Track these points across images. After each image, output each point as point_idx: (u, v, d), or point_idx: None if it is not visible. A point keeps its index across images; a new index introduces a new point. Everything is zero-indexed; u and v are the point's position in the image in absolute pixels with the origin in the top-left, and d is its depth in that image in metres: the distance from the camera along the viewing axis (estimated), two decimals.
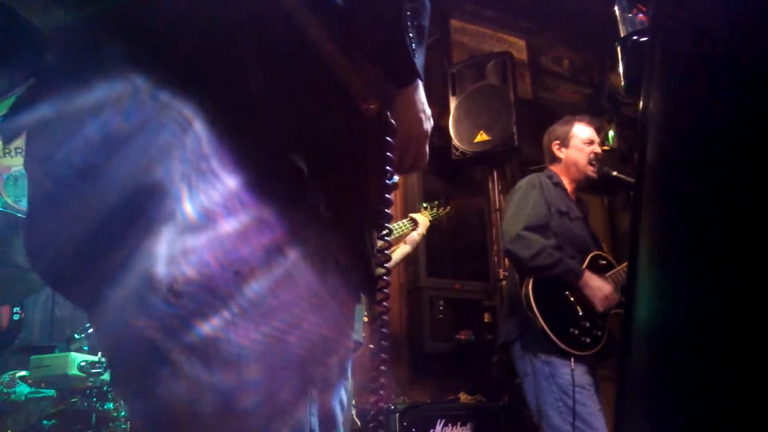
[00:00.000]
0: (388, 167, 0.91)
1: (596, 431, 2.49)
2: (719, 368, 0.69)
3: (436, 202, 2.92)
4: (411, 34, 0.87)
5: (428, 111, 1.01)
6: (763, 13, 0.65)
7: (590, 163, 2.94)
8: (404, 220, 2.66)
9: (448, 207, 2.96)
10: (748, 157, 0.67)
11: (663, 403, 0.72)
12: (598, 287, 2.68)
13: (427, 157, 1.03)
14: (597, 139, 3.00)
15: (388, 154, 0.90)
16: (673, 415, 0.71)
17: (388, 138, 0.90)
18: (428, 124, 1.01)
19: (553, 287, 2.67)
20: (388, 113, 0.91)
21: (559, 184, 2.93)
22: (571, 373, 2.53)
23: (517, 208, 2.79)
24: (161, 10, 0.81)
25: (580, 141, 2.96)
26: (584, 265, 2.74)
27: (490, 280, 4.34)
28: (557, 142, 3.01)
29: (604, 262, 2.85)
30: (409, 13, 0.87)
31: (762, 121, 0.65)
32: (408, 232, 2.65)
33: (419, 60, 0.91)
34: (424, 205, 2.89)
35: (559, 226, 2.78)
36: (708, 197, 0.71)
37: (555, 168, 3.02)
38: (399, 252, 2.66)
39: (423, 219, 2.67)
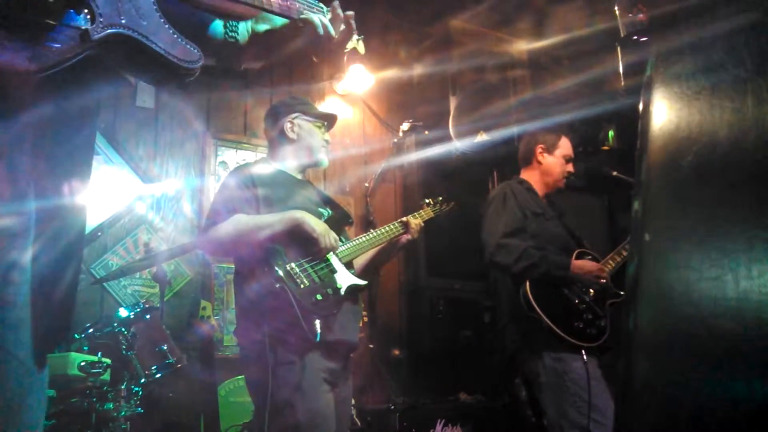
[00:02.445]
0: None
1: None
2: (724, 371, 0.69)
3: (440, 198, 2.86)
4: None
5: None
6: None
7: (563, 177, 3.02)
8: (395, 223, 2.57)
9: (453, 203, 2.89)
10: None
11: (665, 407, 0.72)
12: (587, 270, 2.73)
13: None
14: (573, 158, 3.06)
15: None
16: (675, 421, 0.71)
17: None
18: None
19: (549, 286, 2.69)
20: None
21: (530, 189, 2.98)
22: (585, 366, 2.53)
23: (493, 221, 2.85)
24: None
25: (562, 154, 3.02)
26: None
27: (490, 280, 4.33)
28: (542, 146, 3.04)
29: (589, 257, 2.87)
30: None
31: None
32: (397, 235, 2.54)
33: None
34: (426, 201, 2.83)
35: (536, 228, 2.83)
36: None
37: (527, 173, 3.06)
38: (379, 248, 2.52)
39: (415, 225, 2.57)
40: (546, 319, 2.58)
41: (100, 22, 0.91)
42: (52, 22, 0.84)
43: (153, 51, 0.96)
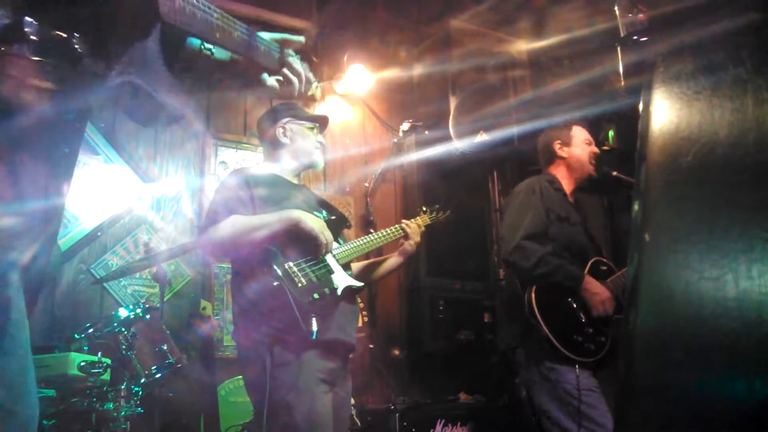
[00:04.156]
0: None
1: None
2: (724, 371, 0.69)
3: (437, 206, 2.90)
4: None
5: None
6: None
7: (591, 162, 2.95)
8: (395, 227, 2.62)
9: (449, 212, 2.93)
10: None
11: (666, 407, 0.72)
12: (596, 292, 2.68)
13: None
14: (593, 140, 3.02)
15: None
16: (675, 421, 0.70)
17: None
18: None
19: (555, 294, 2.66)
20: None
21: (559, 189, 2.92)
22: (576, 378, 2.53)
23: (516, 216, 2.79)
24: None
25: (581, 140, 2.98)
26: (585, 271, 2.74)
27: (490, 280, 4.34)
28: (559, 141, 2.99)
29: (605, 267, 2.84)
30: None
31: None
32: (397, 239, 2.60)
33: None
34: (423, 209, 2.87)
35: (559, 232, 2.77)
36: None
37: (554, 169, 3.00)
38: (390, 262, 2.62)
39: (415, 227, 2.62)
40: (545, 328, 2.56)
41: (113, 68, 0.92)
42: (74, 68, 0.86)
43: (154, 99, 0.98)
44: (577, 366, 2.54)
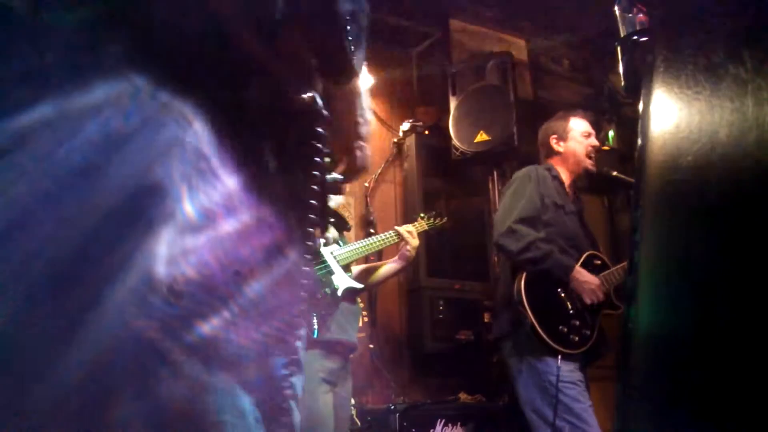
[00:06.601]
0: (316, 158, 0.92)
1: (590, 426, 2.50)
2: (721, 373, 0.69)
3: (434, 213, 2.93)
4: (349, 36, 0.90)
5: (368, 114, 1.08)
6: None
7: (589, 156, 2.94)
8: (390, 232, 2.65)
9: (446, 218, 2.96)
10: None
11: (666, 409, 0.72)
12: (586, 281, 2.68)
13: (367, 160, 1.10)
14: (593, 132, 3.00)
15: (316, 143, 0.91)
16: (676, 421, 0.71)
17: (319, 128, 0.92)
18: (365, 127, 1.08)
19: (545, 284, 2.67)
20: (321, 104, 0.92)
21: (556, 177, 2.91)
22: (557, 370, 2.53)
23: (510, 201, 2.79)
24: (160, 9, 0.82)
25: (579, 134, 2.96)
26: (579, 264, 2.74)
27: (490, 280, 4.33)
28: (555, 136, 2.99)
29: (599, 262, 2.84)
30: (348, 15, 0.90)
31: None
32: (393, 244, 2.63)
33: (358, 60, 0.94)
34: (422, 215, 2.90)
35: (553, 219, 2.77)
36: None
37: (552, 161, 3.00)
38: (390, 267, 2.64)
39: (410, 231, 2.64)
40: (531, 316, 2.57)
41: None
42: None
43: None
44: (559, 357, 2.55)
